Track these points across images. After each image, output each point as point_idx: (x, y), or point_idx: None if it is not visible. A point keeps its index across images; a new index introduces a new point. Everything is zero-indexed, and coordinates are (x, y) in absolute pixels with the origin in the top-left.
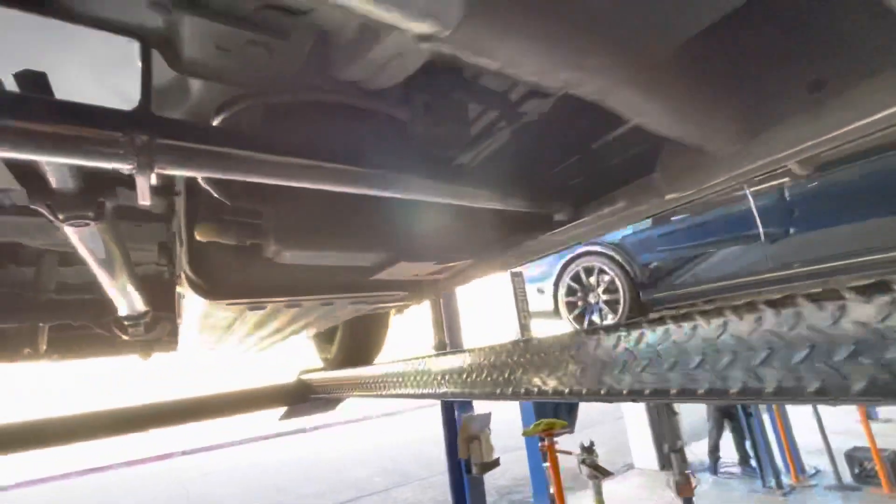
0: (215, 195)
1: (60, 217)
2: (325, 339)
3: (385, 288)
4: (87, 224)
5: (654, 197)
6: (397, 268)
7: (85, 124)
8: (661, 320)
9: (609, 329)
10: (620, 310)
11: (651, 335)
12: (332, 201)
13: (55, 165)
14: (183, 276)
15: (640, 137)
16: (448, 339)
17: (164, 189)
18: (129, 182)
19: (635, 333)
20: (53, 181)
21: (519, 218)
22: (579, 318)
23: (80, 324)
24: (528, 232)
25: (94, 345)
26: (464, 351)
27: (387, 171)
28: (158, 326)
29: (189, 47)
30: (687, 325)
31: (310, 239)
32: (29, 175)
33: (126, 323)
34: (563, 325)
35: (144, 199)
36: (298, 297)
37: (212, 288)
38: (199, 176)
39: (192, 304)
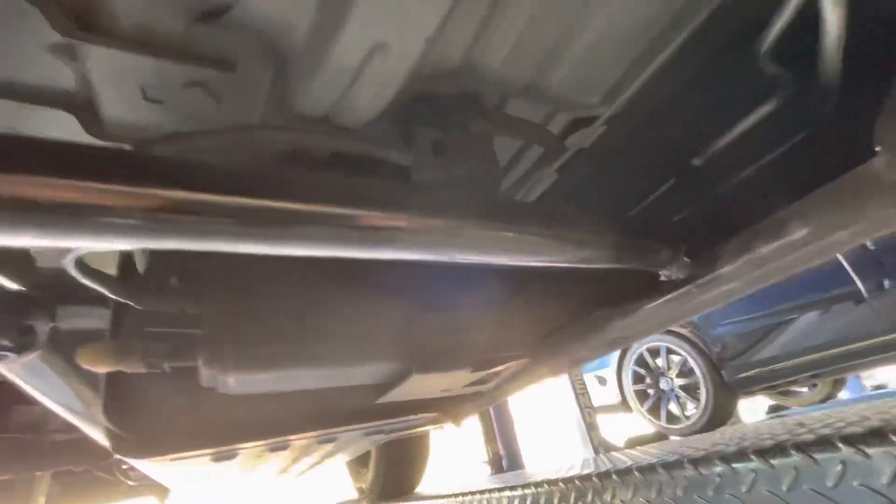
0: (103, 293)
1: None
2: (359, 461)
3: (402, 411)
4: (6, 356)
5: (881, 207)
6: (412, 383)
7: None
8: None
9: None
10: (703, 396)
11: None
12: (298, 291)
13: None
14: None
15: (791, 121)
16: (504, 452)
17: None
18: (89, 299)
19: None
20: None
21: (599, 284)
22: (654, 411)
23: (82, 469)
24: (616, 304)
25: (101, 491)
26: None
27: (402, 216)
28: None
29: (108, 102)
30: None
31: (264, 356)
32: None
33: (125, 467)
34: (637, 421)
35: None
36: (276, 437)
37: (141, 440)
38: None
39: (134, 463)
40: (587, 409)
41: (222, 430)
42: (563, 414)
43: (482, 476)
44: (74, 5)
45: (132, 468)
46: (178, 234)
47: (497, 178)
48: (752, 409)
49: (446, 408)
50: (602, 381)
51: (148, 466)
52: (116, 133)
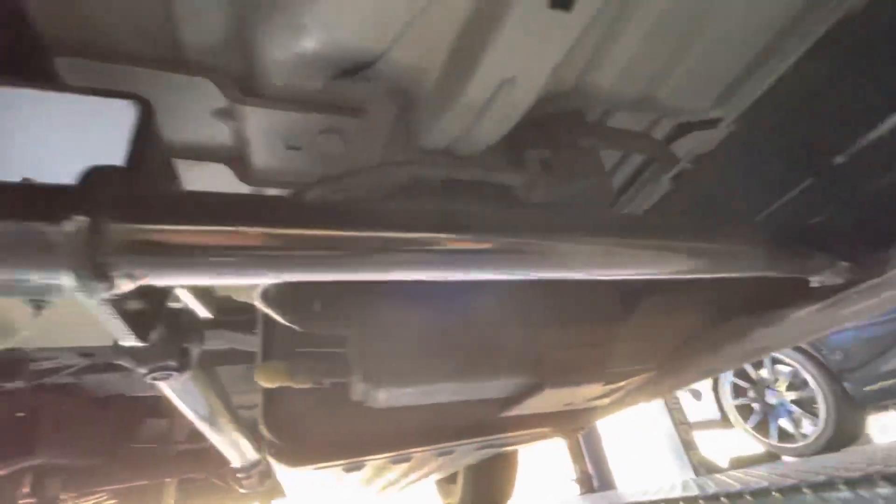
0: (280, 320)
1: (143, 371)
2: (447, 477)
3: (521, 426)
4: (171, 375)
5: None
6: (542, 397)
7: None
8: None
9: None
10: (822, 412)
11: None
12: (439, 312)
13: None
14: (262, 436)
15: None
16: (593, 470)
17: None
18: (230, 323)
19: None
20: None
21: (731, 292)
22: (762, 428)
23: (203, 476)
24: (754, 312)
25: (216, 498)
26: None
27: (540, 237)
28: (272, 475)
29: (257, 152)
30: None
31: (412, 370)
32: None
33: (239, 475)
34: (741, 437)
35: (203, 312)
36: (406, 449)
37: (294, 449)
38: (199, 284)
39: (279, 470)
40: (682, 426)
41: (364, 441)
42: (654, 430)
43: (572, 494)
44: (238, 73)
45: (246, 476)
46: (347, 268)
47: (609, 193)
48: (885, 427)
49: (559, 422)
50: (696, 394)
51: (287, 475)
52: (262, 179)
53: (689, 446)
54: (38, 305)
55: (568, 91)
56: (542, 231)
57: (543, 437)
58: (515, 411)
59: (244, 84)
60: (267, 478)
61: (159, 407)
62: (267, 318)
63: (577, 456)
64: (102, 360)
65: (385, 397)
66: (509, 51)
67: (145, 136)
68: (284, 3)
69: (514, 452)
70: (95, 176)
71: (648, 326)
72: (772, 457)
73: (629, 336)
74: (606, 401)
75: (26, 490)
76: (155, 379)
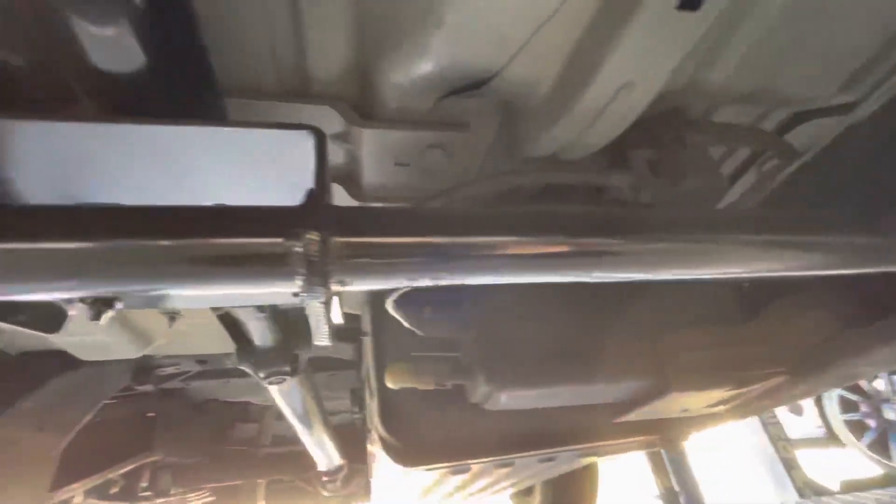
0: (405, 325)
1: (262, 375)
2: (523, 491)
3: (632, 432)
4: (284, 379)
5: None
6: (662, 403)
7: (222, 232)
8: None
9: None
10: None
11: None
12: (557, 315)
13: (254, 320)
14: (374, 434)
15: None
16: (678, 487)
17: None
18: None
19: None
20: (255, 338)
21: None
22: (880, 447)
23: (289, 478)
24: None
25: (301, 501)
26: None
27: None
28: (354, 480)
29: (368, 171)
30: None
31: (534, 373)
32: (238, 335)
33: (325, 479)
34: (853, 457)
35: (338, 318)
36: (513, 453)
37: (408, 449)
38: (401, 286)
39: (384, 467)
40: (781, 442)
41: (473, 443)
42: (746, 446)
43: None
44: (354, 99)
45: (331, 480)
46: (475, 272)
47: (723, 190)
48: None
49: (667, 430)
50: (797, 409)
51: (390, 475)
52: (371, 195)
53: (790, 465)
54: (172, 317)
55: (677, 90)
56: (660, 231)
57: (649, 445)
58: (628, 417)
59: (360, 108)
60: (349, 482)
61: (248, 412)
62: (377, 324)
63: (659, 470)
64: (215, 366)
65: (506, 399)
66: (631, 55)
67: (325, 161)
68: (412, 29)
69: (594, 465)
70: (315, 197)
71: (779, 328)
72: (891, 480)
73: (757, 338)
74: (723, 408)
75: (144, 484)
76: (271, 383)
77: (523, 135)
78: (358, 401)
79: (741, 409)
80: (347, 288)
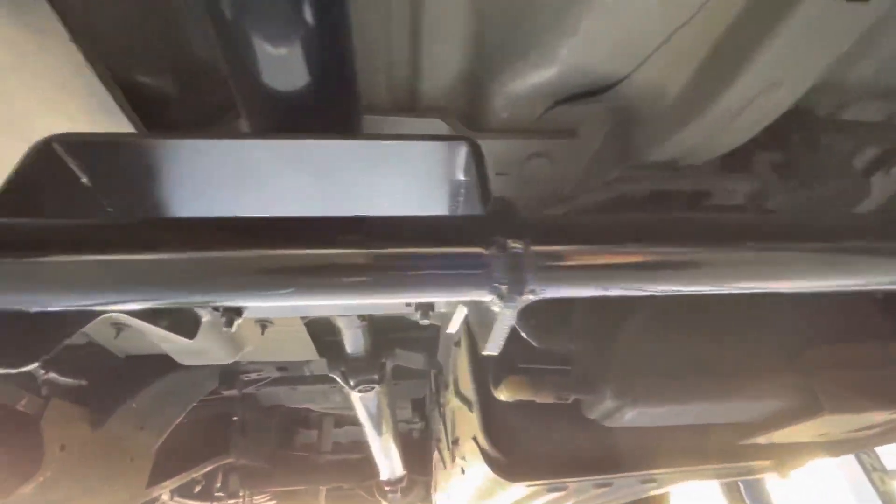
0: (523, 336)
1: (352, 383)
2: None
3: (755, 454)
4: (373, 388)
5: None
6: (810, 424)
7: (420, 242)
8: None
9: None
10: None
11: None
12: (684, 327)
13: (353, 328)
14: (475, 446)
15: None
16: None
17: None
18: (403, 342)
19: None
20: (348, 346)
21: None
22: None
23: (349, 486)
24: None
25: None
26: None
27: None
28: (414, 491)
29: None
30: None
31: (668, 389)
32: (328, 343)
33: (386, 488)
34: None
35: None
36: (621, 472)
37: (513, 463)
38: (596, 294)
39: (471, 478)
40: (876, 473)
41: (582, 460)
42: (831, 476)
43: None
44: (462, 111)
45: (392, 490)
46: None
47: (866, 192)
48: None
49: (784, 455)
50: None
51: (467, 487)
52: None
53: (889, 500)
54: (265, 325)
55: (821, 85)
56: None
57: (763, 470)
58: (756, 439)
59: (467, 120)
60: (409, 492)
61: (308, 418)
62: (471, 336)
63: (734, 499)
64: (293, 373)
65: (633, 416)
66: (783, 53)
67: (485, 169)
68: (542, 37)
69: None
70: (503, 206)
71: None
72: None
73: None
74: (866, 434)
75: (218, 485)
76: (360, 391)
77: (640, 140)
78: (420, 411)
79: (882, 438)
80: (539, 297)
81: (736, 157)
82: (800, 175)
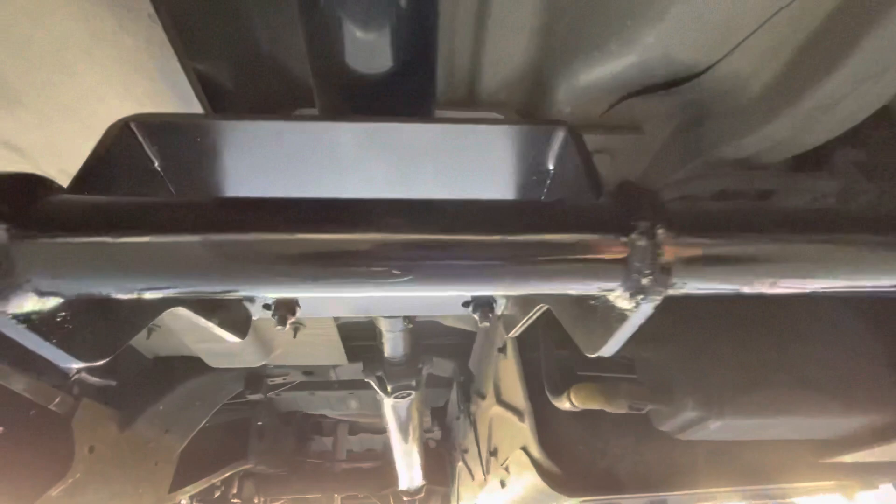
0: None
1: (389, 388)
2: None
3: (832, 474)
4: (411, 394)
5: None
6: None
7: (549, 228)
8: None
9: None
10: None
11: None
12: (763, 333)
13: (397, 332)
14: (524, 457)
15: None
16: None
17: (450, 348)
18: (436, 349)
19: None
20: (387, 350)
21: None
22: None
23: (364, 495)
24: None
25: None
26: None
27: None
28: (430, 501)
29: None
30: None
31: (757, 401)
32: (357, 348)
33: (405, 498)
34: None
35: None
36: (685, 489)
37: (570, 477)
38: (737, 292)
39: (514, 491)
40: None
41: (643, 475)
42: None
43: None
44: (522, 105)
45: (410, 500)
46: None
47: None
48: None
49: (846, 476)
50: None
51: (526, 501)
52: None
53: None
54: (297, 327)
55: None
56: None
57: (829, 490)
58: (843, 458)
59: (527, 114)
60: (426, 503)
61: (322, 425)
62: (524, 340)
63: None
64: (319, 378)
65: (716, 428)
66: (893, 40)
67: (589, 154)
68: (624, 25)
69: None
70: (636, 191)
71: None
72: None
73: None
74: None
75: (234, 491)
76: (397, 397)
77: (713, 136)
78: (440, 420)
79: None
80: (680, 291)
81: (808, 156)
82: (886, 175)
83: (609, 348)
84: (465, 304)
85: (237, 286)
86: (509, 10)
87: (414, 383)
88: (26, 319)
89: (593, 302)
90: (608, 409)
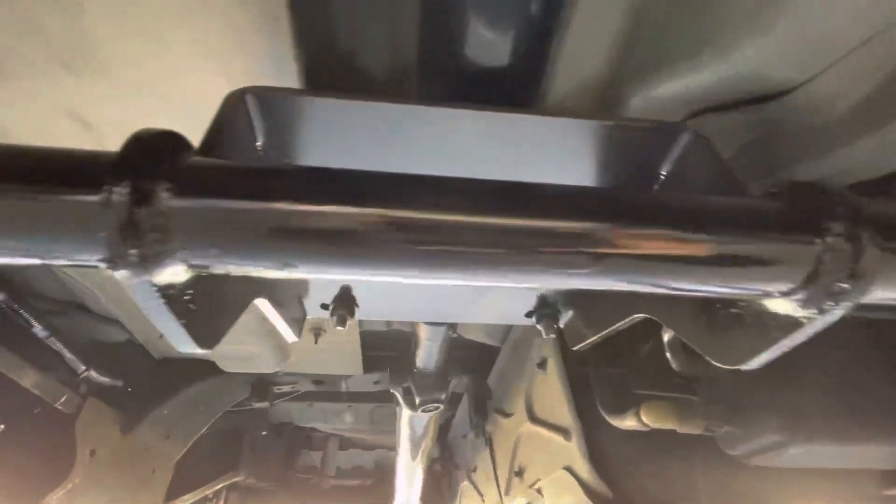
0: (669, 358)
1: (417, 401)
2: None
3: None
4: (438, 408)
5: None
6: None
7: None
8: None
9: None
10: None
11: None
12: (846, 354)
13: (437, 341)
14: (566, 477)
15: None
16: None
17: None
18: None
19: None
20: (420, 360)
21: None
22: None
23: None
24: None
25: None
26: None
27: None
28: None
29: None
30: None
31: (847, 427)
32: (375, 358)
33: None
34: None
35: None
36: None
37: (620, 499)
38: None
39: None
40: None
41: (701, 501)
42: None
43: None
44: (591, 113)
45: None
46: None
47: None
48: None
49: None
50: None
51: None
52: None
53: None
54: (318, 333)
55: None
56: None
57: None
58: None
59: None
60: None
61: (312, 439)
62: (569, 354)
63: None
64: (329, 388)
65: (796, 454)
66: None
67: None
68: (723, 35)
69: None
70: (811, 190)
71: None
72: None
73: None
74: None
75: (222, 503)
76: (424, 411)
77: (784, 156)
78: (441, 438)
79: None
80: (873, 299)
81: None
82: None
83: (758, 361)
84: (528, 315)
85: (432, 273)
86: (595, 14)
87: (443, 397)
88: (166, 294)
89: (735, 310)
90: (680, 429)
